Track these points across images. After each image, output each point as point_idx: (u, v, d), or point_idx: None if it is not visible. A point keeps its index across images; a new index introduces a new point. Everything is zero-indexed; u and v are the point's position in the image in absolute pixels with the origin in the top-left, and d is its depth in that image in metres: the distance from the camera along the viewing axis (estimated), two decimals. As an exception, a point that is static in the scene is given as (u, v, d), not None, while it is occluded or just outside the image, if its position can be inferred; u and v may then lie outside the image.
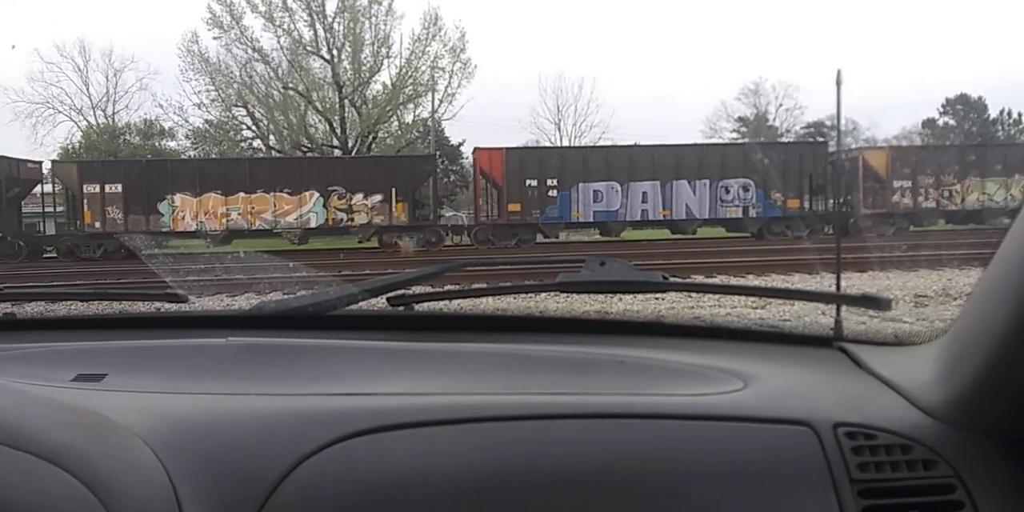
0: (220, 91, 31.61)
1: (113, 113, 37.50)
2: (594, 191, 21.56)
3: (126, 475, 0.70)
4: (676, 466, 0.81)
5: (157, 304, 1.44)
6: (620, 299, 7.03)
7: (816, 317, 5.81)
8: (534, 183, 21.36)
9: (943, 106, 50.66)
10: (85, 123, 36.53)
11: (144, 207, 20.77)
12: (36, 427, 0.70)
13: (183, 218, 21.02)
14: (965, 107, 50.14)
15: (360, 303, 1.24)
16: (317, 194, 21.21)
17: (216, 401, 0.88)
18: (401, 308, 1.27)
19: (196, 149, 33.72)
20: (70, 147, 33.53)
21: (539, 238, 21.74)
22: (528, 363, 1.03)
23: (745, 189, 21.78)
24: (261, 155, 30.83)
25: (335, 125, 31.37)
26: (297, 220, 21.27)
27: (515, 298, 7.74)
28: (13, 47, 41.14)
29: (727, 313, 7.45)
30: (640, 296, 7.35)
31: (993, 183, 22.55)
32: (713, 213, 21.83)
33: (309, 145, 31.60)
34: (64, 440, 0.70)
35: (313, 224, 21.32)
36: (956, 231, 20.73)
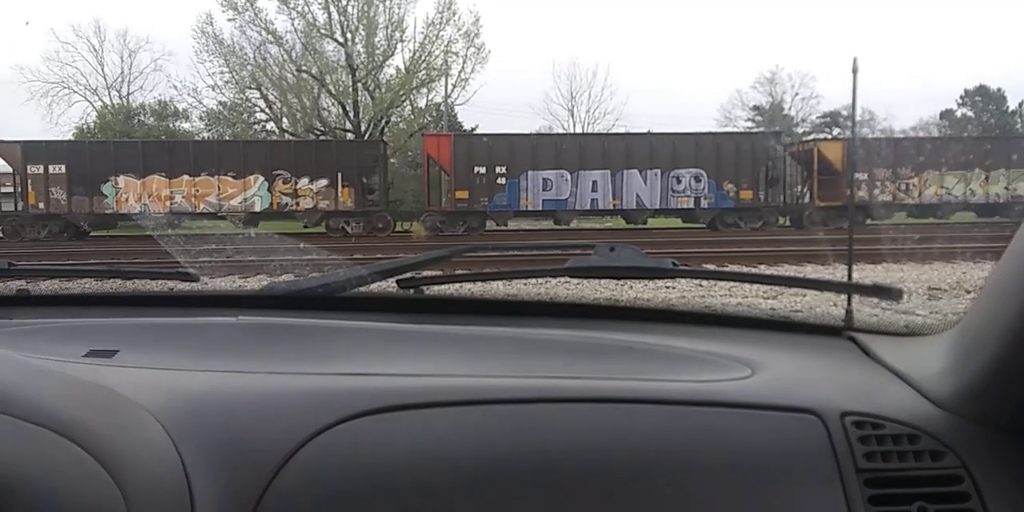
0: (234, 73, 31.53)
1: (128, 94, 37.58)
2: (543, 179, 21.19)
3: (136, 450, 0.71)
4: (681, 452, 0.81)
5: (169, 283, 1.45)
6: (631, 287, 7.02)
7: (828, 308, 5.79)
8: (482, 170, 20.90)
9: (961, 97, 50.12)
10: (100, 103, 36.64)
11: (88, 188, 20.53)
12: (49, 401, 0.71)
13: (127, 200, 20.78)
14: (984, 99, 49.54)
15: (370, 285, 1.24)
16: (262, 178, 20.97)
17: (226, 378, 0.89)
18: (411, 291, 1.27)
19: (210, 130, 33.76)
20: (85, 127, 33.64)
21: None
22: (536, 347, 1.03)
23: (697, 179, 21.45)
24: (275, 138, 30.85)
25: (348, 109, 31.27)
26: (241, 203, 21.02)
27: (525, 283, 7.75)
28: (27, 23, 41.14)
29: (738, 303, 7.43)
30: (651, 284, 7.35)
31: (952, 177, 22.06)
32: (664, 203, 21.50)
33: (322, 128, 31.58)
34: (76, 414, 0.71)
35: (258, 208, 21.09)
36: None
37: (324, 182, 21.13)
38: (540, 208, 21.48)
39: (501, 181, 21.06)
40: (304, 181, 21.14)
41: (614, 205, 21.51)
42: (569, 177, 21.27)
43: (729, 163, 21.36)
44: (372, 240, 18.78)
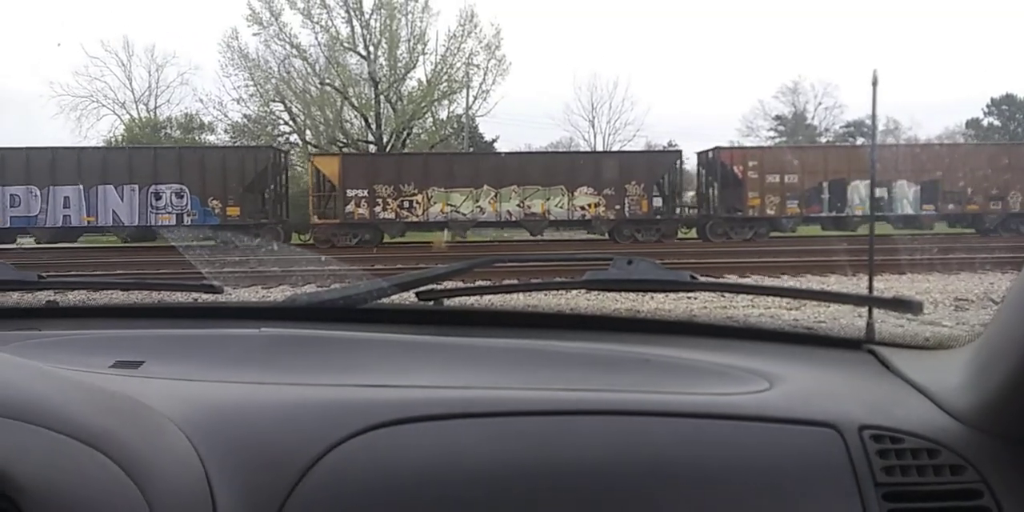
0: (259, 86, 31.95)
1: (155, 107, 38.25)
2: (11, 195, 20.15)
3: (161, 459, 0.73)
4: (698, 465, 0.81)
5: (194, 294, 1.47)
6: (652, 298, 6.98)
7: (852, 319, 5.72)
8: (-58, 184, 19.79)
9: (988, 106, 49.57)
10: (128, 117, 37.32)
11: None
12: (76, 411, 0.73)
13: None
14: (1011, 107, 48.96)
15: (390, 297, 1.26)
16: None
17: (248, 390, 0.90)
18: (430, 303, 1.28)
19: (235, 143, 34.17)
20: (113, 140, 34.19)
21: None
22: (554, 359, 1.04)
23: (179, 195, 20.61)
24: (297, 150, 31.15)
25: (371, 121, 31.53)
26: None
27: (546, 295, 7.74)
28: (59, 45, 42.05)
29: (760, 313, 7.36)
30: (672, 295, 7.26)
31: (459, 194, 21.18)
32: (144, 220, 20.57)
33: (345, 140, 31.87)
34: (103, 424, 0.72)
35: None
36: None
37: None
38: (8, 225, 20.32)
39: (-40, 196, 20.02)
40: None
41: (89, 222, 20.49)
42: (39, 193, 20.18)
43: (216, 179, 20.51)
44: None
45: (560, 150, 28.83)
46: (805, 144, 31.21)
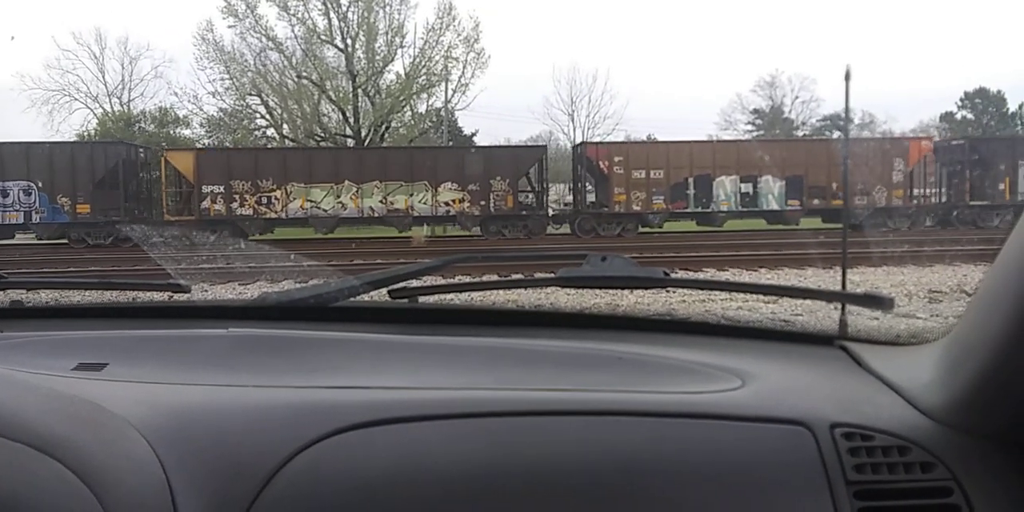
0: (234, 80, 31.60)
1: (128, 101, 37.81)
2: None
3: (120, 466, 0.71)
4: (670, 464, 0.80)
5: (164, 294, 1.45)
6: (631, 292, 7.00)
7: (829, 312, 5.77)
8: None
9: (961, 100, 50.30)
10: (101, 110, 36.86)
11: None
12: (30, 417, 0.71)
13: None
14: (984, 101, 49.71)
15: (362, 295, 1.24)
16: None
17: (213, 392, 0.88)
18: (404, 301, 1.26)
19: (211, 137, 33.80)
20: (86, 134, 33.71)
21: None
22: (527, 358, 1.03)
23: (27, 193, 20.14)
24: (275, 144, 30.91)
25: (348, 114, 31.33)
26: None
27: (525, 290, 7.73)
28: (12, 38, 41.11)
29: (738, 307, 7.42)
30: (651, 289, 7.26)
31: (319, 189, 20.68)
32: None
33: (322, 134, 31.63)
34: (58, 430, 0.70)
35: None
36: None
37: None
38: None
39: None
40: None
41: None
42: None
43: (65, 175, 20.16)
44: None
45: (424, 145, 28.05)
46: (668, 139, 30.35)
